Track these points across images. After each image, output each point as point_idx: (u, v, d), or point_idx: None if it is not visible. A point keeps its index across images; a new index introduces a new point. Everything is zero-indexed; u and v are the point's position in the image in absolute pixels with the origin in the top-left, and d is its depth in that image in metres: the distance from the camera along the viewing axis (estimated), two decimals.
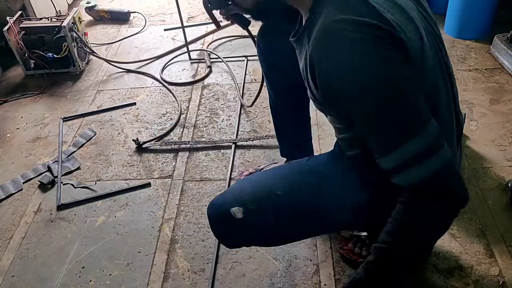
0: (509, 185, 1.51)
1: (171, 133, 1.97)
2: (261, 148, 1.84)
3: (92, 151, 1.92)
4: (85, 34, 2.47)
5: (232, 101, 2.11)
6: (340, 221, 1.13)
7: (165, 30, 2.76)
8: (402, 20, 0.86)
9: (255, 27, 1.33)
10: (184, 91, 2.22)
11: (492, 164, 1.64)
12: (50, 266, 1.48)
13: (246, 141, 1.86)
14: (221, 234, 1.14)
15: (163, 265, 1.44)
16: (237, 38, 2.58)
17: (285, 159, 1.63)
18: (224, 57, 2.42)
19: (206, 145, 1.88)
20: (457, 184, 0.88)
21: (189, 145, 1.88)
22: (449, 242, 1.40)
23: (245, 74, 2.27)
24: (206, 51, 2.48)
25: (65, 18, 2.31)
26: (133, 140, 1.91)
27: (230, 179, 1.71)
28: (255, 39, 1.43)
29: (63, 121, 2.08)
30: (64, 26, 2.26)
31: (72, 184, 1.75)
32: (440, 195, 0.87)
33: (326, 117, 1.08)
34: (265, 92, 1.56)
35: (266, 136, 1.85)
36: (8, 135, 2.08)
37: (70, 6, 2.97)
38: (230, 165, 1.76)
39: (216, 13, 1.29)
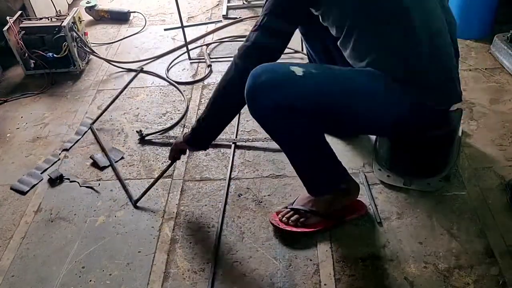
0: (509, 185, 1.51)
1: (171, 133, 1.97)
2: (261, 148, 1.84)
3: (92, 151, 1.92)
4: (85, 34, 2.47)
5: None
6: (377, 126, 1.39)
7: (165, 30, 2.76)
8: None
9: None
10: (184, 90, 2.22)
11: (492, 164, 1.64)
12: (50, 266, 1.48)
13: (245, 141, 1.86)
14: (273, 91, 1.21)
15: (163, 265, 1.44)
16: (237, 38, 2.58)
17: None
18: (224, 57, 2.42)
19: None
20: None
21: None
22: (449, 242, 1.41)
23: None
24: (206, 50, 2.48)
25: (65, 18, 2.31)
26: (136, 131, 1.94)
27: (230, 179, 1.71)
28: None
29: (91, 125, 2.05)
30: (64, 26, 2.26)
31: (78, 183, 1.76)
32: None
33: (344, 48, 1.33)
34: None
35: (265, 138, 1.85)
36: (8, 135, 2.08)
37: (70, 6, 2.97)
38: (230, 165, 1.76)
39: None
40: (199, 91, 2.21)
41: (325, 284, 1.34)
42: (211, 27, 2.70)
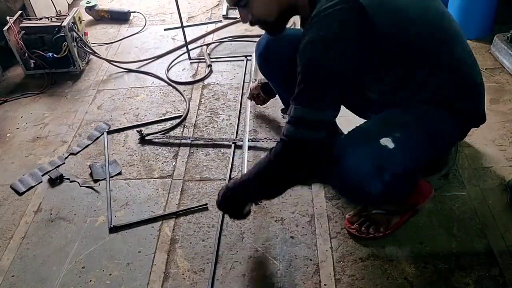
0: (509, 185, 1.51)
1: (171, 133, 1.97)
2: (261, 148, 1.83)
3: (92, 151, 1.92)
4: (85, 34, 2.47)
5: (232, 100, 2.11)
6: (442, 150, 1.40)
7: (165, 30, 2.76)
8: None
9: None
10: (184, 90, 2.22)
11: (492, 164, 1.64)
12: (50, 266, 1.48)
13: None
14: (379, 177, 1.14)
15: (163, 265, 1.44)
16: (236, 38, 2.58)
17: None
18: (224, 57, 2.42)
19: (207, 143, 1.88)
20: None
21: (190, 141, 1.89)
22: (449, 242, 1.40)
23: (245, 73, 2.27)
24: (206, 50, 2.48)
25: (65, 18, 2.31)
26: (137, 131, 1.94)
27: (230, 178, 1.71)
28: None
29: (107, 134, 2.00)
30: (64, 26, 2.26)
31: (78, 183, 1.76)
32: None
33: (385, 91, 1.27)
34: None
35: (265, 138, 1.85)
36: (8, 135, 2.08)
37: (70, 6, 2.97)
38: (230, 164, 1.76)
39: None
40: (199, 91, 2.21)
41: (325, 284, 1.34)
42: (211, 27, 2.70)
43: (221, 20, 2.80)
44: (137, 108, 2.15)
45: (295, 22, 2.29)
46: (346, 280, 1.34)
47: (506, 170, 1.61)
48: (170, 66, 2.41)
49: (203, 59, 2.43)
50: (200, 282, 1.38)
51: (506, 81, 2.04)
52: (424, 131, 1.21)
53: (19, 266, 1.49)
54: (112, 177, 1.78)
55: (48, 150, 1.96)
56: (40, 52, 2.30)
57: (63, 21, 2.29)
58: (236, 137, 1.90)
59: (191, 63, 2.43)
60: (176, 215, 1.60)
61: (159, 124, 2.03)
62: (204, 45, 2.55)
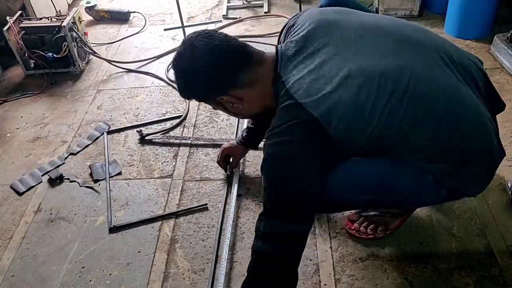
0: (509, 185, 1.51)
1: (171, 133, 1.97)
2: (261, 148, 1.83)
3: (92, 151, 1.92)
4: (85, 34, 2.47)
5: None
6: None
7: (165, 30, 2.76)
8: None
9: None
10: None
11: None
12: (50, 266, 1.48)
13: None
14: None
15: (163, 265, 1.44)
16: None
17: None
18: None
19: (207, 143, 1.88)
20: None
21: (190, 141, 1.89)
22: (449, 242, 1.40)
23: None
24: None
25: (65, 18, 2.31)
26: (137, 131, 1.94)
27: (230, 178, 1.71)
28: None
29: (107, 134, 2.00)
30: (64, 26, 2.26)
31: (78, 183, 1.76)
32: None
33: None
34: None
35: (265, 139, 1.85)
36: (8, 135, 2.08)
37: (70, 6, 2.97)
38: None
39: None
40: None
41: (325, 284, 1.34)
42: (211, 27, 2.70)
43: (221, 20, 2.80)
44: (137, 108, 2.15)
45: None
46: (346, 280, 1.34)
47: (506, 170, 1.61)
48: (170, 66, 2.41)
49: None
50: (200, 282, 1.38)
51: (506, 81, 2.04)
52: (387, 174, 1.15)
53: (19, 266, 1.49)
54: (112, 177, 1.78)
55: (48, 150, 1.96)
56: (40, 52, 2.30)
57: (63, 21, 2.29)
58: (236, 137, 1.90)
59: None
60: (176, 215, 1.60)
61: (159, 124, 2.03)
62: None
